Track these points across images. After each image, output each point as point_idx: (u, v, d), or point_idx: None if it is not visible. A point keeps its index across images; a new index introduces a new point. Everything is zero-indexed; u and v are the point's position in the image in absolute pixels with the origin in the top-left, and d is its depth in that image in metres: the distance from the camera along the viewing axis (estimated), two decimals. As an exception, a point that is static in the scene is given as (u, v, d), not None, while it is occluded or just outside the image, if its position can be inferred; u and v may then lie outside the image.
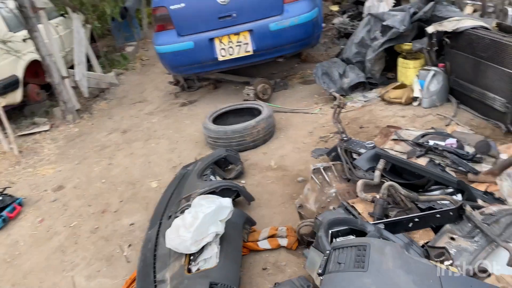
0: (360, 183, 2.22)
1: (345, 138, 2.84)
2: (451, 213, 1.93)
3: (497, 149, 2.94)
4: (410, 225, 1.91)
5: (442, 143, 3.09)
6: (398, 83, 4.19)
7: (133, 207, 3.31)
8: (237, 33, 4.39)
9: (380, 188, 2.29)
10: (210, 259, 2.21)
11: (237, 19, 4.38)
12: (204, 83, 5.59)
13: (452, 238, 1.93)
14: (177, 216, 2.64)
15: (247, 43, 4.42)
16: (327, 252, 1.34)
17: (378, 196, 2.11)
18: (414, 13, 4.01)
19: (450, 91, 3.86)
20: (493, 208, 2.25)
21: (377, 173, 2.35)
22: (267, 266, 2.42)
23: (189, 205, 2.64)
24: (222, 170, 3.41)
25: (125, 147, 4.39)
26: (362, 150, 2.73)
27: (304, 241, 2.49)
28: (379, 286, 1.12)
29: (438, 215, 1.92)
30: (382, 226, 1.84)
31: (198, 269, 2.19)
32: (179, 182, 3.21)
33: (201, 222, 2.20)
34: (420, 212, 2.10)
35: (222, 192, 2.80)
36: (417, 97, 3.92)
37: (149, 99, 5.78)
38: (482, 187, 2.59)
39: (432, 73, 3.78)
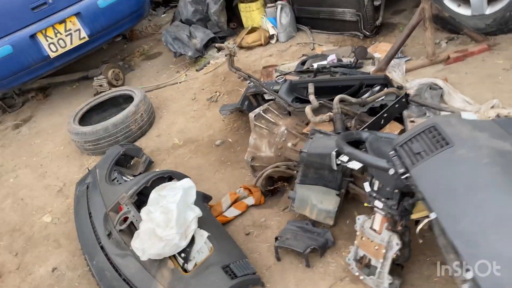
0: (308, 109, 2.20)
1: (253, 82, 2.76)
2: (403, 99, 2.10)
3: (369, 52, 3.30)
4: (382, 122, 2.00)
5: (325, 62, 3.30)
6: (249, 28, 4.25)
7: (40, 252, 2.62)
8: (62, 21, 3.71)
9: (321, 110, 2.34)
10: (203, 247, 1.93)
11: (55, 5, 3.69)
12: (30, 95, 4.66)
13: (412, 121, 2.12)
14: (121, 229, 2.23)
15: (78, 29, 3.79)
16: (392, 153, 1.29)
17: (333, 113, 2.14)
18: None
19: (297, 21, 4.10)
20: (411, 91, 2.54)
21: (312, 97, 2.36)
22: (249, 230, 2.25)
23: (129, 211, 2.25)
24: (127, 169, 2.96)
25: (-28, 197, 3.39)
26: (277, 87, 2.71)
27: (268, 191, 2.39)
28: (476, 152, 1.13)
29: (396, 105, 2.06)
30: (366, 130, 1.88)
31: (196, 264, 1.89)
32: (88, 199, 2.67)
33: (178, 213, 1.87)
34: (368, 114, 2.22)
35: (153, 184, 2.43)
36: (273, 35, 4.06)
37: (-39, 138, 4.54)
38: (381, 83, 2.89)
39: (279, 7, 3.93)
